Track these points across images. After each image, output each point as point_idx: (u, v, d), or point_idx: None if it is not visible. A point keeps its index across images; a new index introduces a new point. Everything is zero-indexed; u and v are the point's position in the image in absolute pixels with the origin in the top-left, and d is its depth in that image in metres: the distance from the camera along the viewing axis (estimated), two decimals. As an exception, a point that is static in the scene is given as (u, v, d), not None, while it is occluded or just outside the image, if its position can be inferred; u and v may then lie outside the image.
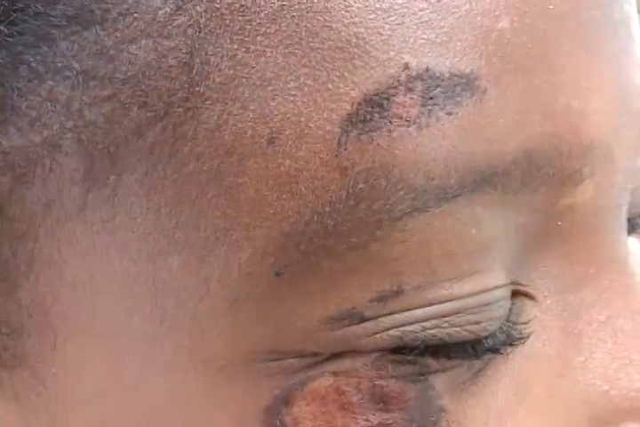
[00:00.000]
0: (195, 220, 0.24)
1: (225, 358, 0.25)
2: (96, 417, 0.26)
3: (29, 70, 0.24)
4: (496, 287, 0.26)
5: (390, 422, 0.25)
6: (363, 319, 0.24)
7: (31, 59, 0.24)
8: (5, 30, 0.24)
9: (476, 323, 0.25)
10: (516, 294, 0.27)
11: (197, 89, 0.24)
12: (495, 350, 0.26)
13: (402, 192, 0.24)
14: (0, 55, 0.24)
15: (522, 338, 0.26)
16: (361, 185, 0.24)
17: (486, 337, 0.26)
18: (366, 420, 0.25)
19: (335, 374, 0.25)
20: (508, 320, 0.26)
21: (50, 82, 0.24)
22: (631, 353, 0.27)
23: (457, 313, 0.25)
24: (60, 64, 0.24)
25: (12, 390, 0.26)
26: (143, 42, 0.24)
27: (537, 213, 0.26)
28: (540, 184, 0.26)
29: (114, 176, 0.24)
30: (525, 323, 0.27)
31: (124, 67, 0.24)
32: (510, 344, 0.26)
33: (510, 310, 0.26)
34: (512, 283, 0.26)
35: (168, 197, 0.24)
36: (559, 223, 0.27)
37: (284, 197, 0.24)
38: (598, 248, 0.27)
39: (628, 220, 0.30)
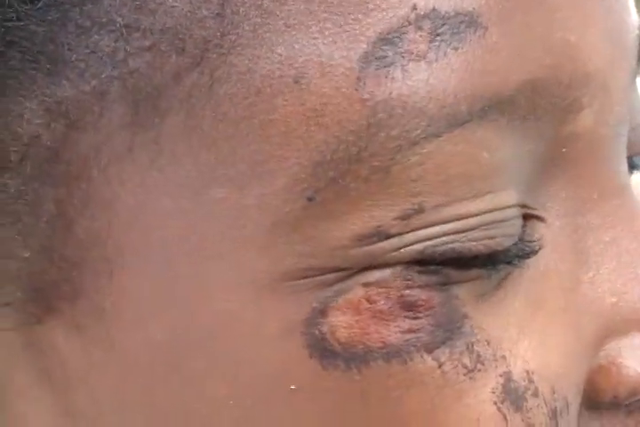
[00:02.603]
0: (232, 155, 0.27)
1: (268, 276, 0.27)
2: (153, 341, 0.28)
3: (76, 26, 0.27)
4: (508, 206, 0.28)
5: (419, 327, 0.27)
6: (388, 236, 0.27)
7: (77, 16, 0.27)
8: None
9: (491, 238, 0.28)
10: (527, 217, 0.29)
11: (229, 37, 0.27)
12: (509, 262, 0.28)
13: (417, 119, 0.26)
14: (49, 14, 0.27)
15: (534, 251, 0.29)
16: (380, 115, 0.26)
17: (501, 251, 0.28)
18: (397, 326, 0.27)
19: (366, 285, 0.27)
20: (520, 240, 0.29)
21: (96, 36, 0.27)
22: (636, 269, 0.30)
23: (473, 229, 0.27)
24: (104, 19, 0.27)
25: (73, 321, 0.29)
26: None
27: (544, 140, 0.29)
28: (544, 112, 0.28)
29: (157, 119, 0.27)
30: (536, 240, 0.29)
31: (163, 19, 0.27)
32: (523, 257, 0.29)
33: (523, 231, 0.29)
34: (524, 206, 0.29)
35: (207, 136, 0.27)
36: (563, 150, 0.29)
37: (312, 129, 0.26)
38: (601, 174, 0.30)
39: (628, 158, 0.32)
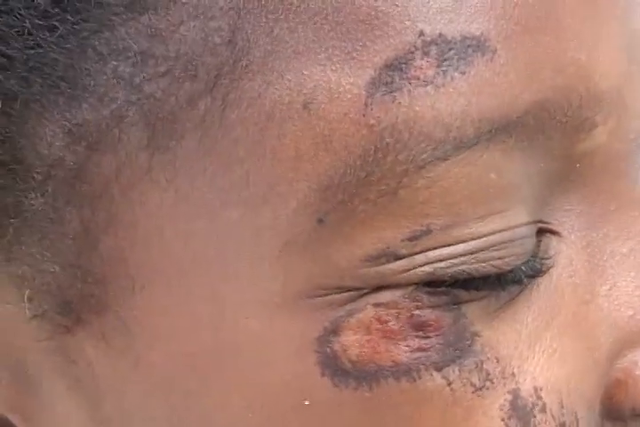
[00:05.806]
0: (245, 178, 0.28)
1: (280, 296, 0.28)
2: (176, 356, 0.29)
3: (95, 53, 0.28)
4: (518, 226, 0.28)
5: (429, 346, 0.28)
6: (397, 257, 0.28)
7: (96, 43, 0.28)
8: (71, 19, 0.28)
9: (500, 258, 0.28)
10: (542, 231, 0.29)
11: (240, 63, 0.27)
12: (519, 282, 0.29)
13: (423, 144, 0.27)
14: (69, 41, 0.28)
15: (543, 271, 0.29)
16: (387, 139, 0.27)
17: (510, 271, 0.28)
18: (407, 345, 0.28)
19: (377, 305, 0.28)
20: (534, 256, 0.29)
21: (113, 62, 0.28)
22: None
23: (482, 250, 0.28)
24: (121, 46, 0.28)
25: (100, 333, 0.30)
26: (191, 24, 0.27)
27: (556, 158, 0.29)
28: (554, 132, 0.28)
29: (173, 142, 0.28)
30: (549, 258, 0.29)
31: (176, 46, 0.27)
32: (533, 277, 0.29)
33: (537, 247, 0.29)
34: (538, 221, 0.29)
35: (221, 159, 0.28)
36: (577, 166, 0.29)
37: (321, 154, 0.27)
38: (618, 189, 0.30)
39: None
